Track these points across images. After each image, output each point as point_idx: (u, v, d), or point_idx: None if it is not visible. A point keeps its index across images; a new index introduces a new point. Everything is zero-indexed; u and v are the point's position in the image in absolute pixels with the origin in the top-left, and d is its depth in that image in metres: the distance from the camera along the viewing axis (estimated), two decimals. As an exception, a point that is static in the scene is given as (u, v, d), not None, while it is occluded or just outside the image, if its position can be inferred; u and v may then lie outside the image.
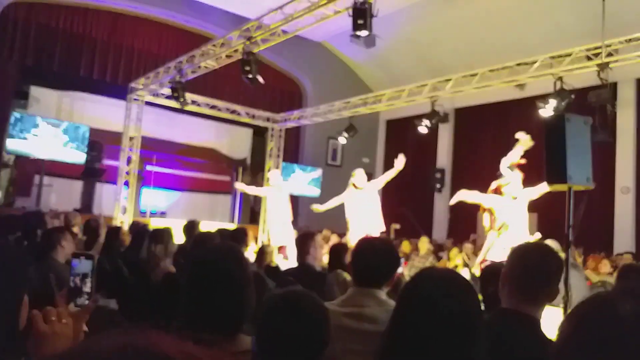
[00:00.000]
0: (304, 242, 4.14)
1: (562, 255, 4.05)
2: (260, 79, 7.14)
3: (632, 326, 0.67)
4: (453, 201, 6.12)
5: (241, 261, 1.68)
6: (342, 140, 10.45)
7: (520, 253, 1.86)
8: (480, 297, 2.71)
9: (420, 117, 8.85)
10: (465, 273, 6.70)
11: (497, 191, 6.03)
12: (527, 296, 1.68)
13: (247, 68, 7.02)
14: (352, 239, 7.06)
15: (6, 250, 1.32)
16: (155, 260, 3.71)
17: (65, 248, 3.77)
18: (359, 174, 7.20)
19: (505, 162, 6.00)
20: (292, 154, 12.90)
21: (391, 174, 7.40)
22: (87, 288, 1.29)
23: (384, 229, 7.17)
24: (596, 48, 6.64)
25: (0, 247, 1.33)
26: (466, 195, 5.98)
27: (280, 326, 1.39)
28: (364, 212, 7.18)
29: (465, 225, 11.24)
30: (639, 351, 0.65)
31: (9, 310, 1.20)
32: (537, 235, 5.73)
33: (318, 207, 7.54)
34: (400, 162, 7.23)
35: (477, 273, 5.72)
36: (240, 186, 8.44)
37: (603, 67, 6.57)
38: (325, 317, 1.47)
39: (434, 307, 1.24)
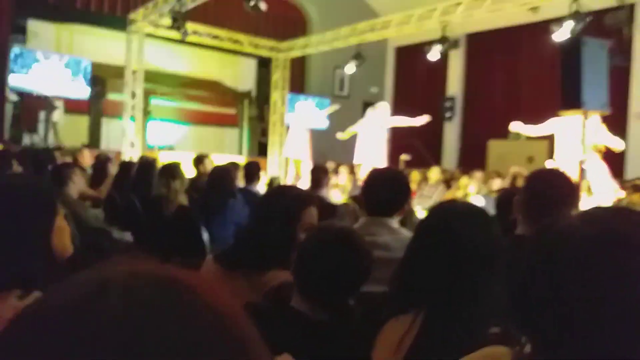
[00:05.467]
0: (318, 175, 4.21)
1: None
2: (263, 6, 6.91)
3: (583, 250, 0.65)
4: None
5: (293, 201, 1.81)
6: (349, 69, 10.20)
7: (530, 179, 1.88)
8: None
9: (430, 44, 8.59)
10: (478, 200, 6.74)
11: None
12: (537, 222, 1.67)
13: (249, -6, 6.79)
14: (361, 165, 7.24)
15: (32, 181, 1.33)
16: (174, 195, 3.77)
17: (77, 183, 3.81)
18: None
19: None
20: (298, 84, 12.67)
21: (409, 123, 7.59)
22: None
23: (384, 161, 7.34)
24: (616, -35, 6.30)
25: (27, 178, 1.37)
26: None
27: (335, 260, 1.38)
28: (371, 144, 7.29)
29: (476, 154, 11.19)
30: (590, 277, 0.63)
31: (43, 239, 1.21)
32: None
33: (342, 135, 7.83)
34: (423, 120, 7.68)
35: None
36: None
37: (622, -14, 6.27)
38: (370, 251, 1.50)
39: (453, 238, 1.26)
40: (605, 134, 5.83)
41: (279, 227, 1.73)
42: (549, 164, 6.17)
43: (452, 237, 1.28)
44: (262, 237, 1.75)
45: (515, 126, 6.48)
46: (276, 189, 2.09)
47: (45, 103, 8.98)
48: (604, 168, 5.88)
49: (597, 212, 0.75)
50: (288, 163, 10.38)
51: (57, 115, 9.19)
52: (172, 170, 3.87)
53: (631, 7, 7.32)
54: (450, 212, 1.40)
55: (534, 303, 0.68)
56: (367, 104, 13.73)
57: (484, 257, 1.25)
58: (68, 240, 1.26)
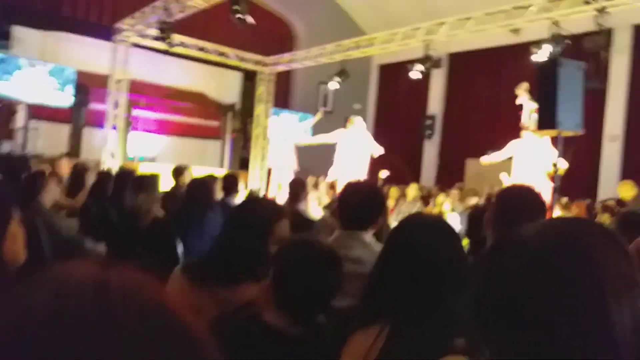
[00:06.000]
0: (296, 188, 4.18)
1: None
2: (250, 20, 6.92)
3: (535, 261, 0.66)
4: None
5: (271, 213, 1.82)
6: (332, 85, 10.27)
7: (500, 196, 1.89)
8: (466, 241, 2.78)
9: (413, 62, 8.69)
10: (454, 218, 6.78)
11: None
12: None
13: (236, 7, 6.80)
14: (337, 180, 7.30)
15: None
16: (139, 209, 3.72)
17: (51, 192, 3.74)
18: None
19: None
20: (283, 99, 12.71)
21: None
22: None
23: (364, 176, 7.44)
24: (595, -9, 6.47)
25: None
26: None
27: (320, 279, 1.39)
28: (351, 156, 7.36)
29: (454, 172, 11.30)
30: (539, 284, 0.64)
31: None
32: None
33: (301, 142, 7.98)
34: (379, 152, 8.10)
35: None
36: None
37: (601, 11, 6.42)
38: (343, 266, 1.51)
39: (416, 251, 1.28)
40: (553, 154, 6.12)
41: (250, 239, 1.72)
42: (503, 178, 6.51)
43: (415, 249, 1.30)
44: (233, 249, 1.74)
45: (486, 159, 6.84)
46: (248, 201, 2.08)
47: (11, 109, 8.84)
48: (548, 188, 6.15)
49: (555, 222, 0.78)
50: (271, 175, 10.36)
51: (20, 120, 9.00)
52: (148, 181, 3.84)
53: (609, 32, 7.50)
54: (414, 225, 1.42)
55: (492, 311, 0.68)
56: (350, 120, 13.82)
57: (447, 270, 1.27)
58: (21, 248, 1.23)
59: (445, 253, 1.29)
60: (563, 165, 6.19)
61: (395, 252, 1.36)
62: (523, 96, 6.82)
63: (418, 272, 1.27)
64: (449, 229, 1.40)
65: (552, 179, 4.43)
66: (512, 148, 6.65)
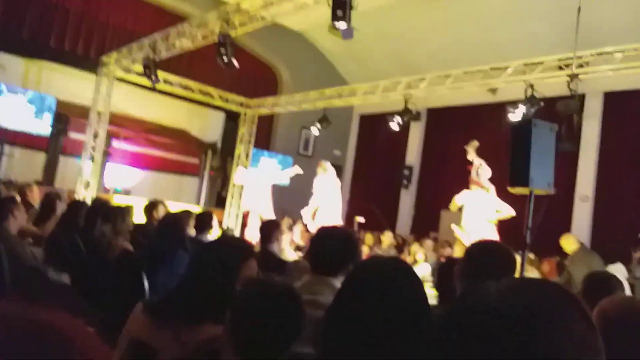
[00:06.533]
0: (269, 229, 4.15)
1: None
2: (235, 63, 7.03)
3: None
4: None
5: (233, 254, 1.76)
6: (314, 130, 10.43)
7: (469, 249, 1.91)
8: (435, 292, 2.77)
9: (393, 114, 8.91)
10: (426, 267, 6.80)
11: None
12: None
13: (223, 51, 6.92)
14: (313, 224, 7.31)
15: None
16: (104, 239, 3.64)
17: (17, 219, 3.65)
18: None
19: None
20: (264, 140, 12.80)
21: None
22: None
23: (340, 222, 7.46)
24: (568, 58, 6.80)
25: None
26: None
27: (271, 317, 1.34)
28: (327, 201, 7.41)
29: (429, 221, 11.39)
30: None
31: None
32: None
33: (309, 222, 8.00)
34: None
35: None
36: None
37: (573, 77, 6.73)
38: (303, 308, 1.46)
39: (371, 292, 1.23)
40: (499, 204, 6.63)
41: (216, 278, 1.67)
42: (454, 229, 6.74)
43: (366, 290, 1.25)
44: (197, 288, 1.69)
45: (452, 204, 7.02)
46: (216, 240, 2.04)
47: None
48: (494, 237, 6.42)
49: (516, 284, 0.73)
50: (248, 217, 10.26)
51: None
52: (119, 213, 3.78)
53: (582, 97, 7.83)
54: (370, 266, 1.38)
55: None
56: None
57: (397, 312, 1.21)
58: None
59: (398, 294, 1.23)
60: (508, 211, 6.49)
61: (348, 292, 1.30)
62: (471, 153, 7.17)
63: (369, 311, 1.21)
64: (406, 270, 1.33)
65: (524, 237, 4.47)
66: (463, 197, 6.89)
